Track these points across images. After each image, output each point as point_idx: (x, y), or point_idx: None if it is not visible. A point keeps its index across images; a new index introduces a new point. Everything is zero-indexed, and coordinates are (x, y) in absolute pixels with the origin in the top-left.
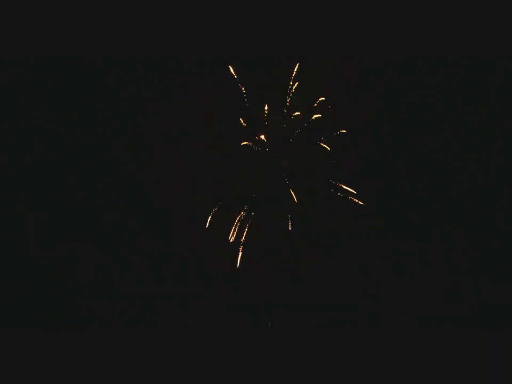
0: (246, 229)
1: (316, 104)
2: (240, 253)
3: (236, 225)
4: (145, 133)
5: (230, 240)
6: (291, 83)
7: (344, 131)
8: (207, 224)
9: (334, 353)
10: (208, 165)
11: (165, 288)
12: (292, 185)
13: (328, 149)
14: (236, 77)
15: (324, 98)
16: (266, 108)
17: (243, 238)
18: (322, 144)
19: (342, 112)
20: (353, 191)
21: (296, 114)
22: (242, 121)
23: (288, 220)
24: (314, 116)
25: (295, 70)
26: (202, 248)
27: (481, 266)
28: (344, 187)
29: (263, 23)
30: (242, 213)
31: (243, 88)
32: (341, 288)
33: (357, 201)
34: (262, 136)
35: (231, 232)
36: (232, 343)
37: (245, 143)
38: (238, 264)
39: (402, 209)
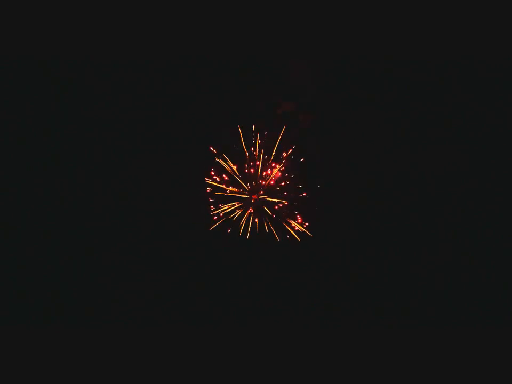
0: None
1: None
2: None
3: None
4: (145, 133)
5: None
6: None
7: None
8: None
9: (333, 353)
10: (207, 165)
11: (165, 288)
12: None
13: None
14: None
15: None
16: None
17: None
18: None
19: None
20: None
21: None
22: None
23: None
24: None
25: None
26: (203, 247)
27: (481, 266)
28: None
29: (263, 24)
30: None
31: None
32: (341, 288)
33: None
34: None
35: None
36: (233, 343)
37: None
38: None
39: (401, 209)
